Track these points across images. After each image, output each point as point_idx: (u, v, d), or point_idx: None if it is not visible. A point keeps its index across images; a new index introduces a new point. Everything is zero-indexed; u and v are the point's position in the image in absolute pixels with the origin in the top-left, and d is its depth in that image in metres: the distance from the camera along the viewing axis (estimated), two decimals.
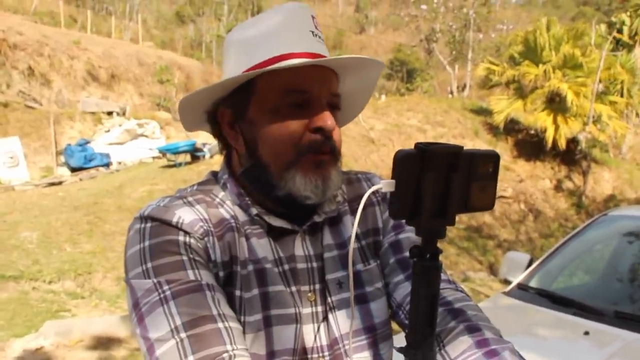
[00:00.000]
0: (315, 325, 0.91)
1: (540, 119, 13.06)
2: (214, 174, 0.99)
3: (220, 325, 0.78)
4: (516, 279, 3.21)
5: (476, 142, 13.68)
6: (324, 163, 0.89)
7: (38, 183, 12.08)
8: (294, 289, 0.90)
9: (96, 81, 18.38)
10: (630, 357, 2.29)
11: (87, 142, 14.11)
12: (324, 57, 0.90)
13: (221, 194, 0.95)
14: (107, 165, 13.90)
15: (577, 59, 13.02)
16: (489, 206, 0.73)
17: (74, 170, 13.45)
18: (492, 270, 8.98)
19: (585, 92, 12.67)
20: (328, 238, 0.97)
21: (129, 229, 0.88)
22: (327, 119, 0.87)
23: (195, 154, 12.29)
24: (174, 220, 0.85)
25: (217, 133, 0.97)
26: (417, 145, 0.68)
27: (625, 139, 16.11)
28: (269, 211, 0.92)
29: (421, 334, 0.73)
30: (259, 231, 0.91)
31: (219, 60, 30.85)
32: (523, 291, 3.05)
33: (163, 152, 12.69)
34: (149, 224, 0.85)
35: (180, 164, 11.80)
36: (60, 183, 12.13)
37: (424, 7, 25.95)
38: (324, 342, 0.91)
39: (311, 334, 0.90)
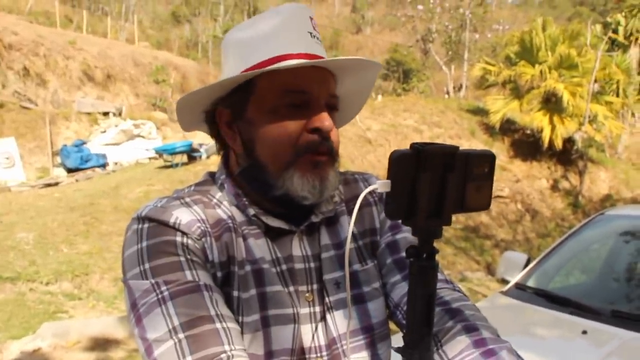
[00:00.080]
0: (313, 325, 0.91)
1: (536, 119, 13.10)
2: (211, 175, 1.00)
3: (218, 325, 0.78)
4: (513, 279, 3.21)
5: (473, 142, 13.70)
6: (321, 164, 0.89)
7: (34, 184, 12.05)
8: (291, 289, 0.91)
9: (92, 81, 18.35)
10: (628, 356, 2.30)
11: (83, 143, 14.09)
12: (322, 58, 0.90)
13: (218, 194, 0.95)
14: (104, 166, 13.87)
15: (573, 59, 13.07)
16: (485, 206, 0.73)
17: (70, 171, 13.42)
18: (490, 270, 9.00)
19: (581, 92, 12.72)
20: (325, 238, 0.97)
21: (127, 229, 0.88)
22: (325, 120, 0.87)
23: (191, 154, 12.28)
24: (172, 220, 0.85)
25: (214, 133, 0.97)
26: (413, 145, 0.68)
27: (621, 138, 16.17)
28: (266, 211, 0.92)
29: (418, 333, 0.73)
30: (257, 231, 0.92)
31: (215, 61, 30.86)
32: (520, 291, 3.06)
33: (159, 152, 12.68)
34: (146, 225, 0.85)
35: (176, 165, 11.79)
36: (56, 184, 12.10)
37: (420, 7, 26.00)
38: (322, 342, 0.91)
39: (309, 334, 0.90)
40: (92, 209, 8.60)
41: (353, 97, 1.03)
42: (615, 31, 16.81)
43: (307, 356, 0.89)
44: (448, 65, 25.75)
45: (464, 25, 25.15)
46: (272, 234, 0.92)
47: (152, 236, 0.84)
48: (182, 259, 0.83)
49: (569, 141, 13.40)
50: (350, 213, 1.00)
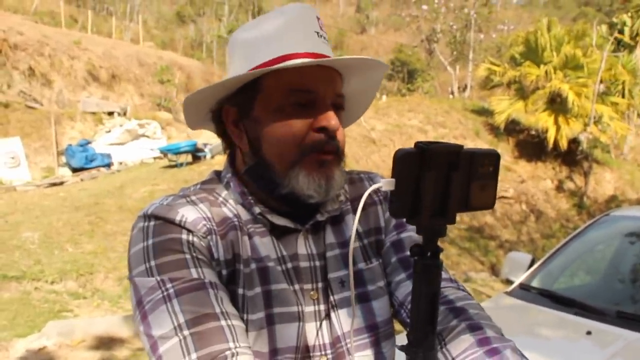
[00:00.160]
0: (318, 323, 0.91)
1: (541, 120, 13.05)
2: (217, 173, 1.00)
3: (223, 323, 0.79)
4: (518, 279, 3.21)
5: (477, 142, 13.67)
6: (327, 162, 0.90)
7: (39, 183, 12.09)
8: (296, 287, 0.91)
9: (97, 81, 18.39)
10: (632, 357, 2.29)
11: (88, 143, 14.12)
12: (329, 57, 0.90)
13: (224, 192, 0.95)
14: (108, 165, 13.91)
15: (578, 59, 13.01)
16: (489, 205, 0.74)
17: (75, 170, 13.45)
18: (494, 270, 8.98)
19: (586, 92, 12.66)
20: (330, 237, 0.97)
21: (133, 227, 0.89)
22: (331, 119, 0.88)
23: (196, 154, 12.30)
24: (177, 218, 0.85)
25: (221, 132, 0.97)
26: (417, 144, 0.68)
27: (626, 139, 16.08)
28: (271, 210, 0.93)
29: (422, 332, 0.73)
30: (262, 230, 0.92)
31: (220, 61, 30.87)
32: (525, 291, 3.06)
33: (164, 152, 12.70)
34: (152, 222, 0.86)
35: (181, 164, 11.81)
36: (61, 183, 12.14)
37: (425, 7, 25.96)
38: (327, 340, 0.91)
39: (313, 332, 0.91)
40: (97, 209, 8.63)
41: (359, 97, 1.03)
42: (621, 32, 16.72)
43: (311, 354, 0.90)
44: (453, 65, 25.69)
45: (468, 26, 25.09)
46: (278, 233, 0.93)
47: (158, 234, 0.84)
48: (188, 256, 0.83)
49: (574, 142, 13.35)
50: (355, 212, 1.00)
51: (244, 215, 0.92)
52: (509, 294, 3.09)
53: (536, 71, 13.19)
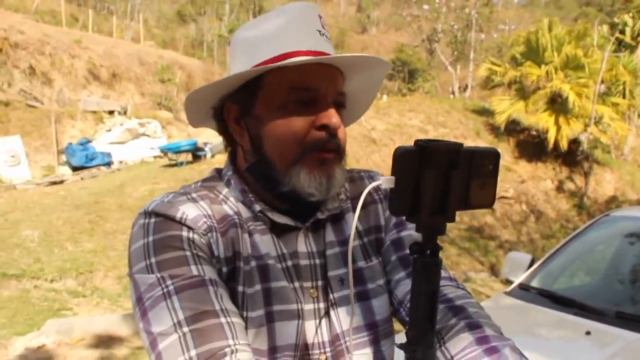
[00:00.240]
0: (317, 321, 0.91)
1: (541, 120, 13.05)
2: (218, 171, 1.00)
3: (222, 320, 0.79)
4: (518, 279, 3.21)
5: (478, 142, 13.66)
6: (328, 161, 0.90)
7: (39, 182, 12.09)
8: (296, 285, 0.91)
9: (97, 80, 18.39)
10: (632, 357, 2.30)
11: (89, 141, 14.13)
12: (331, 55, 0.90)
13: (225, 190, 0.95)
14: (109, 164, 13.91)
15: (579, 59, 13.00)
16: (489, 204, 0.73)
17: (75, 169, 13.46)
18: (494, 270, 8.98)
19: (587, 93, 12.66)
20: (330, 235, 0.97)
21: (133, 224, 0.89)
22: (332, 117, 0.88)
23: (196, 153, 12.30)
24: (178, 215, 0.85)
25: (222, 129, 0.97)
26: (417, 142, 0.68)
27: (627, 140, 16.07)
28: (272, 208, 0.93)
29: (421, 330, 0.73)
30: (262, 227, 0.92)
31: (221, 60, 30.88)
32: (524, 291, 3.06)
33: (164, 151, 12.70)
34: (153, 219, 0.86)
35: (181, 163, 11.81)
36: (61, 182, 12.14)
37: (426, 7, 25.95)
38: (326, 338, 0.91)
39: (313, 330, 0.91)
40: (97, 207, 8.63)
41: (360, 95, 1.03)
42: (622, 32, 16.70)
43: (310, 352, 0.90)
44: (454, 65, 25.68)
45: (469, 25, 25.08)
46: (278, 230, 0.93)
47: (159, 231, 0.84)
48: (188, 253, 0.83)
49: (574, 142, 13.35)
50: (355, 210, 1.00)
51: (245, 212, 0.93)
52: (509, 294, 3.09)
53: (537, 71, 13.19)
